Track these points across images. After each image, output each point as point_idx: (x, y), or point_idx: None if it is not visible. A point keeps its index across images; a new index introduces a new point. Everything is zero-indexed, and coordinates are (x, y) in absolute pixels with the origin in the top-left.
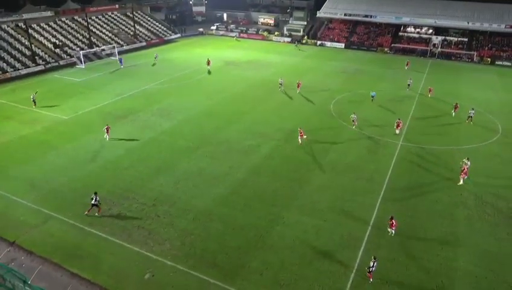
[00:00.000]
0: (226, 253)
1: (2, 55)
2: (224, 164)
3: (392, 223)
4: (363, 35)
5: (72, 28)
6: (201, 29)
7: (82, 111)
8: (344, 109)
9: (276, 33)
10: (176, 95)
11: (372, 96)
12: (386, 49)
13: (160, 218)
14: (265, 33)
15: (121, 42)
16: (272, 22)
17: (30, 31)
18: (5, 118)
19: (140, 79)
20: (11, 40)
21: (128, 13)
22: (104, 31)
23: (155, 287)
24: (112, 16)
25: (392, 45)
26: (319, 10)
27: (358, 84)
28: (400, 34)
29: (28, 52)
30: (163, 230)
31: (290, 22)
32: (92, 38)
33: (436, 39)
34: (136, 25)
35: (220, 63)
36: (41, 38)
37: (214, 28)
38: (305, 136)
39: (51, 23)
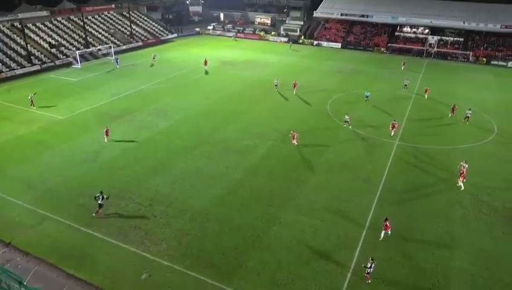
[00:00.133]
0: (223, 253)
1: None
2: (221, 164)
3: (387, 225)
4: (359, 35)
5: (68, 28)
6: (198, 29)
7: (78, 111)
8: (341, 109)
9: (272, 33)
10: (173, 95)
11: (367, 97)
12: (382, 49)
13: (156, 218)
14: (262, 33)
15: (118, 42)
16: (268, 21)
17: (26, 30)
18: (1, 118)
19: (136, 79)
20: (6, 39)
21: (125, 13)
22: (100, 30)
23: (152, 287)
24: (108, 15)
25: (389, 44)
26: (315, 10)
27: (354, 84)
28: (396, 34)
29: (23, 52)
30: (159, 230)
31: (286, 21)
32: (88, 38)
33: (432, 39)
34: (132, 24)
35: (216, 63)
36: (37, 38)
37: (210, 27)
38: (294, 141)
39: (47, 23)
